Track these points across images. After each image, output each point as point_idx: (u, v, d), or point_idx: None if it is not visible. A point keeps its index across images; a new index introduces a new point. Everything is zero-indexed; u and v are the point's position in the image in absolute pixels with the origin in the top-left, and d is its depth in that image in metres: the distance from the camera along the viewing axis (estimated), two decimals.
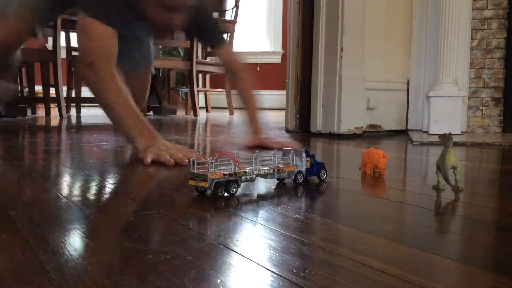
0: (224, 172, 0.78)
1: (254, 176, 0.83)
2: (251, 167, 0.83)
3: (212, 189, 0.77)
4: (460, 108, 2.65)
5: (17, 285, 0.41)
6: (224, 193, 0.79)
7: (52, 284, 0.42)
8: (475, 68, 2.78)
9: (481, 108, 2.80)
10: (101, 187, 0.88)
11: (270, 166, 0.87)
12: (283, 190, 0.88)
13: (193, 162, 0.79)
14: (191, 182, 0.79)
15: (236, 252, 0.51)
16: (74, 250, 0.52)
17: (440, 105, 2.61)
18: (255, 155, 0.84)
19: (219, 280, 0.43)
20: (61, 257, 0.49)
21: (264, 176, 0.86)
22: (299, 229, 0.60)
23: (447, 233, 0.62)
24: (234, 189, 0.80)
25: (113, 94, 1.28)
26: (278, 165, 0.88)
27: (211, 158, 0.77)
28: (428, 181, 0.99)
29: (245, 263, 0.48)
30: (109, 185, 0.90)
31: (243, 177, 0.82)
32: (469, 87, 2.79)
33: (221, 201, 0.77)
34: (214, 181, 0.77)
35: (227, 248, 0.52)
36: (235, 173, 0.80)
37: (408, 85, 2.91)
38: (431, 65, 2.74)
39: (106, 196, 0.82)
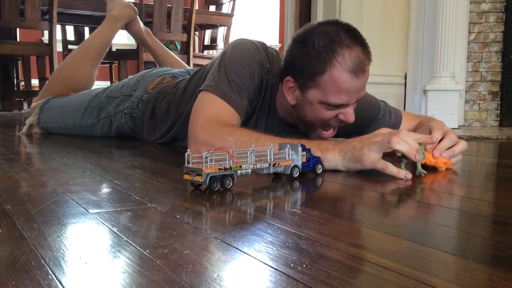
0: (219, 167, 0.78)
1: (249, 170, 0.83)
2: (247, 162, 0.83)
3: (207, 184, 0.77)
4: (457, 102, 2.65)
5: (13, 279, 0.41)
6: (219, 187, 0.79)
7: (48, 278, 0.42)
8: (472, 62, 2.78)
9: (478, 102, 2.81)
10: (97, 181, 0.88)
11: (266, 160, 0.87)
12: (279, 184, 0.88)
13: (188, 156, 0.78)
14: (186, 177, 0.79)
15: (233, 246, 0.51)
16: (71, 244, 0.51)
17: (437, 98, 2.61)
18: (250, 149, 0.84)
19: (216, 275, 0.43)
20: (57, 251, 0.49)
21: (260, 170, 0.86)
22: (296, 223, 0.60)
23: (444, 226, 0.62)
24: (230, 184, 0.80)
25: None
26: (274, 159, 0.88)
27: (206, 153, 0.77)
28: (423, 175, 0.99)
29: (242, 257, 0.48)
30: (106, 179, 0.90)
31: (239, 172, 0.81)
32: (466, 81, 2.79)
33: (217, 195, 0.77)
34: (209, 176, 0.77)
35: (224, 242, 0.52)
36: (230, 168, 0.80)
37: (405, 78, 2.91)
38: (428, 59, 2.74)
39: (102, 190, 0.81)
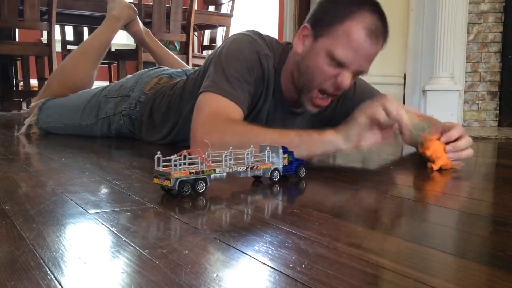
0: (191, 171, 0.75)
1: (224, 174, 0.80)
2: (222, 165, 0.79)
3: (177, 188, 0.74)
4: (456, 102, 2.65)
5: (12, 280, 0.41)
6: (190, 192, 0.75)
7: (47, 278, 0.42)
8: (471, 62, 2.78)
9: (477, 102, 2.81)
10: (97, 182, 0.88)
11: (243, 163, 0.83)
12: (278, 184, 0.88)
13: (158, 159, 0.75)
14: (156, 181, 0.75)
15: (232, 247, 0.51)
16: (70, 244, 0.51)
17: (436, 99, 2.61)
18: (227, 152, 0.80)
19: (215, 275, 0.43)
20: (56, 251, 0.49)
21: (237, 174, 0.82)
22: (295, 223, 0.60)
23: (443, 227, 0.62)
24: (202, 188, 0.76)
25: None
26: (253, 162, 0.84)
27: (175, 156, 0.74)
28: (422, 175, 0.99)
29: (241, 258, 0.48)
30: (105, 179, 0.90)
31: (212, 175, 0.78)
32: (465, 81, 2.79)
33: (216, 195, 0.77)
34: (179, 180, 0.74)
35: (223, 242, 0.52)
36: (202, 171, 0.77)
37: (404, 79, 2.91)
38: (428, 59, 2.74)
39: (101, 190, 0.81)
